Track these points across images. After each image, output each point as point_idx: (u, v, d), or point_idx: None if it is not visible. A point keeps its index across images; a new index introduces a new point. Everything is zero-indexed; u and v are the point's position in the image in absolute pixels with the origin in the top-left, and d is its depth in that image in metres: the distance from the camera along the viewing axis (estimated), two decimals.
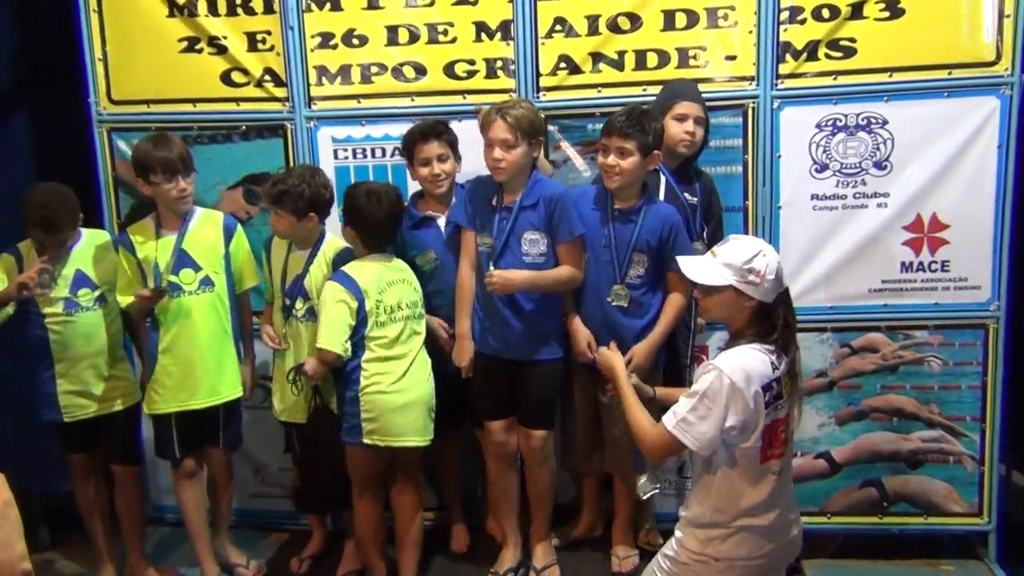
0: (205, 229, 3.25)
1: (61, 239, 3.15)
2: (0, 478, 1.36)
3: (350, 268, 3.06)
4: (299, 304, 3.17)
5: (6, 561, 1.30)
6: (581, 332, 3.07)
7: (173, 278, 3.15)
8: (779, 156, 3.37)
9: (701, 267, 2.32)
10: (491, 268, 3.01)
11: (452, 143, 3.18)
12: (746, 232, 3.40)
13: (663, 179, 3.16)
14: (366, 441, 3.02)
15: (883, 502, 3.53)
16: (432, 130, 3.15)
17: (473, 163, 3.19)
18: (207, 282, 3.20)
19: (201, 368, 3.18)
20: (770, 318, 2.27)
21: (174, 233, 3.18)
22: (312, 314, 3.14)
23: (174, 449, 3.23)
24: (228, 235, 3.29)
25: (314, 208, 3.13)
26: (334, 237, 3.27)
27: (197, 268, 3.18)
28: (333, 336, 2.97)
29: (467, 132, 3.23)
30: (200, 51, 3.55)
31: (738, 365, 2.20)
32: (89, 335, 3.23)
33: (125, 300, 3.18)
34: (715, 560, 2.30)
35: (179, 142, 3.19)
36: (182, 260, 3.17)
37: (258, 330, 3.37)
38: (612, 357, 2.67)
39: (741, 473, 2.27)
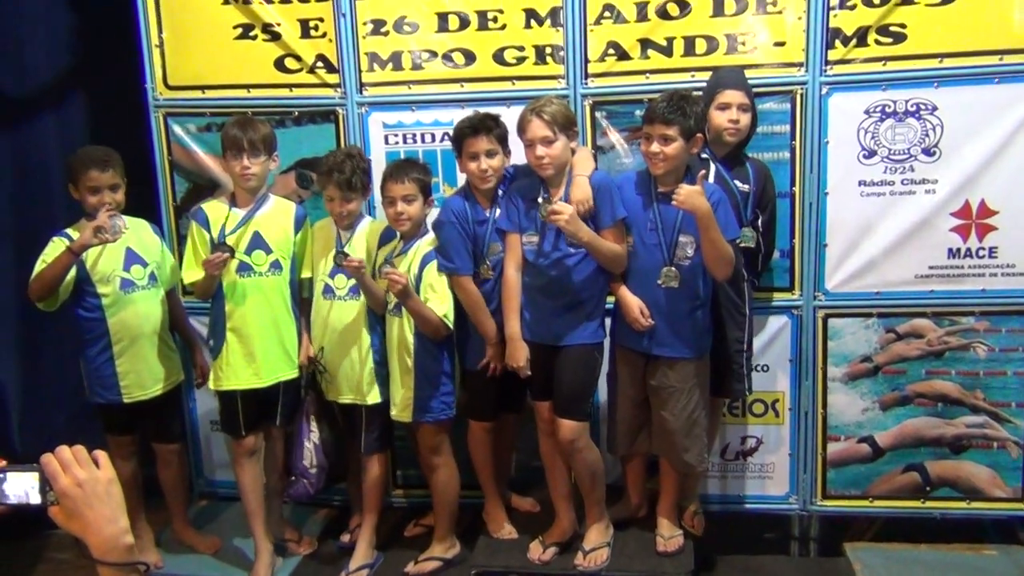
0: (279, 216, 3.32)
1: (114, 183, 3.17)
2: (104, 457, 1.39)
3: None
4: (341, 282, 3.23)
5: (111, 536, 1.35)
6: (632, 300, 3.06)
7: (245, 258, 3.22)
8: (827, 142, 3.38)
9: None
10: (558, 203, 2.95)
11: (502, 138, 3.14)
12: (793, 220, 3.44)
13: (712, 167, 3.17)
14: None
15: (926, 487, 3.56)
16: (482, 125, 3.10)
17: (521, 150, 3.13)
18: (276, 265, 3.27)
19: (264, 349, 3.26)
20: None
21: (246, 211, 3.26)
22: (356, 292, 3.21)
23: (239, 425, 3.31)
24: (298, 224, 3.36)
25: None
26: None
27: (269, 251, 3.26)
28: (451, 310, 3.14)
29: (516, 119, 3.18)
30: (254, 37, 3.61)
31: None
32: (145, 314, 3.29)
33: (192, 276, 3.23)
34: None
35: (260, 125, 3.23)
36: (255, 242, 3.24)
37: None
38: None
39: None
